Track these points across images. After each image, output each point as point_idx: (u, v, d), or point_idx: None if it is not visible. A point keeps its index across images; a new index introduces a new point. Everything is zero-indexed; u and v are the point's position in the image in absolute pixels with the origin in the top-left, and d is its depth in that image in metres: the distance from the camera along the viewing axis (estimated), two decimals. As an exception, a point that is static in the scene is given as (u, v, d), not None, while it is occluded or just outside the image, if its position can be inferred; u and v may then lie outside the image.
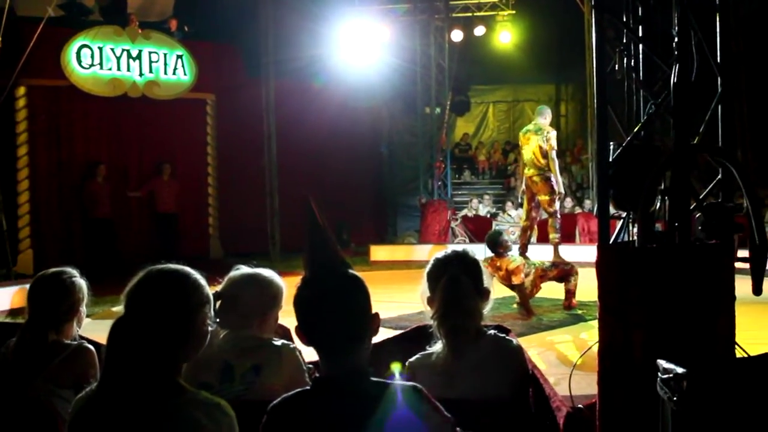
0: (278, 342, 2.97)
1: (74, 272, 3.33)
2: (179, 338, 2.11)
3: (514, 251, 9.74)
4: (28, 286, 3.33)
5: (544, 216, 10.56)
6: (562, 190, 10.26)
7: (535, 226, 10.63)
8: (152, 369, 2.04)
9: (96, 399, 2.06)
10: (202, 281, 2.22)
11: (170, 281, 2.16)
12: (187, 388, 2.10)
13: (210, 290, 2.26)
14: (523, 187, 10.34)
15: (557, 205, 10.18)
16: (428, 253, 14.07)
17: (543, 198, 9.98)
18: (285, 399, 2.03)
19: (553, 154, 9.85)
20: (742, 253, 3.56)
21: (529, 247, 10.33)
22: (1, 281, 11.23)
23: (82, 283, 3.33)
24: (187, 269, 2.22)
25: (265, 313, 3.05)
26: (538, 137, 9.86)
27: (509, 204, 17.98)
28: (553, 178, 9.89)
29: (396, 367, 2.16)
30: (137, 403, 2.01)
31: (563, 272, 9.51)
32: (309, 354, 2.59)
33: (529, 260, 9.56)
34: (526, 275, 9.19)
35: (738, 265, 3.51)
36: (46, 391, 3.02)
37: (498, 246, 9.27)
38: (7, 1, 11.43)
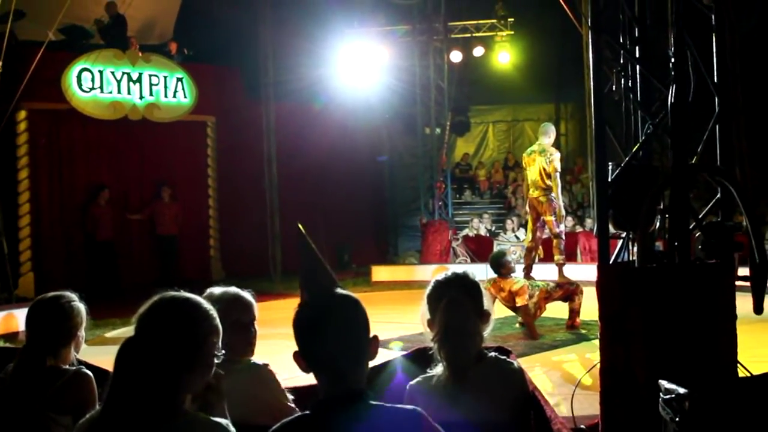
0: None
1: (73, 296, 3.32)
2: (185, 365, 2.13)
3: (518, 272, 9.73)
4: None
5: (546, 235, 10.50)
6: (563, 213, 10.22)
7: (540, 247, 10.56)
8: (156, 393, 2.06)
9: (100, 420, 2.08)
10: (213, 311, 2.26)
11: (181, 309, 2.19)
12: (187, 410, 2.12)
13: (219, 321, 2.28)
14: (527, 207, 10.31)
15: (563, 225, 10.16)
16: (430, 273, 14.04)
17: (549, 219, 9.96)
18: (284, 424, 2.03)
19: (557, 175, 9.85)
20: (743, 271, 3.56)
21: (533, 267, 10.30)
22: (3, 305, 11.22)
23: (80, 307, 3.31)
24: (198, 298, 2.26)
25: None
26: (543, 158, 9.85)
27: (509, 223, 17.97)
28: (555, 200, 9.90)
29: (396, 345, 2.13)
30: (139, 424, 2.03)
31: (568, 292, 9.49)
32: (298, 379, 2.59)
33: (534, 281, 9.54)
34: (530, 297, 9.15)
35: (738, 283, 3.51)
36: (44, 418, 3.00)
37: (501, 267, 9.25)
38: (8, 25, 11.49)
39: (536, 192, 9.95)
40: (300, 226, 2.21)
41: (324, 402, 2.03)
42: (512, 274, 9.33)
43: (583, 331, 9.35)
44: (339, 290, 2.12)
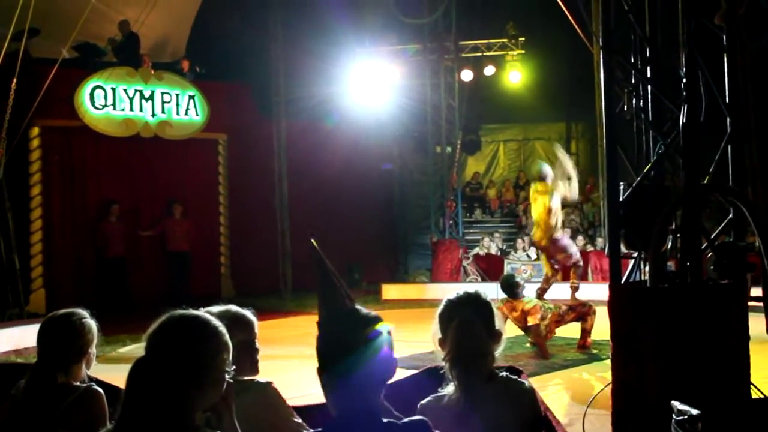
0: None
1: (84, 313, 3.32)
2: (196, 383, 2.15)
3: (530, 292, 9.69)
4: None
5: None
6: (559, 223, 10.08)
7: (560, 272, 10.54)
8: (168, 411, 2.07)
9: None
10: (222, 328, 2.27)
11: (190, 327, 2.21)
12: (198, 425, 2.14)
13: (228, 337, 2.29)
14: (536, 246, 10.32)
15: (576, 255, 10.14)
16: (440, 292, 14.00)
17: (559, 257, 10.04)
18: (297, 442, 2.04)
19: (553, 205, 9.76)
20: (756, 292, 3.55)
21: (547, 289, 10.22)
22: (14, 320, 11.24)
23: (92, 324, 3.32)
24: (207, 316, 2.28)
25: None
26: (545, 197, 9.79)
27: (520, 242, 17.94)
28: (559, 235, 9.91)
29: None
30: None
31: (580, 313, 9.48)
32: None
33: (546, 303, 9.49)
34: (543, 318, 9.13)
35: (751, 304, 3.50)
36: (55, 435, 3.01)
37: (513, 288, 9.24)
38: (22, 43, 11.58)
39: (538, 233, 9.93)
40: (313, 242, 2.22)
41: (337, 420, 2.03)
42: (524, 293, 9.32)
43: (595, 351, 9.31)
44: (360, 309, 2.13)
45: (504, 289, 9.36)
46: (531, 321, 9.06)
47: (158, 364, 2.11)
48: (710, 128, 3.78)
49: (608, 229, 3.86)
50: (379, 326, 2.07)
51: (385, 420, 2.02)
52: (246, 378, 2.99)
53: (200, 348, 2.18)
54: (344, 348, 2.07)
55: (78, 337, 3.25)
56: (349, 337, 2.08)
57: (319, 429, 2.07)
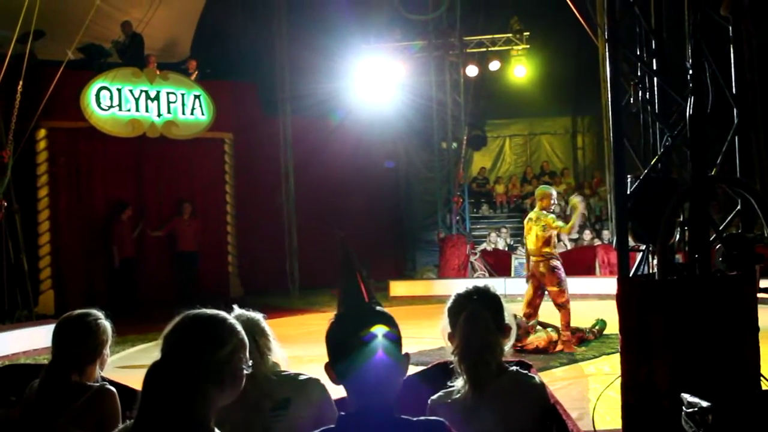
0: (304, 376, 2.97)
1: (99, 314, 3.34)
2: (214, 382, 2.15)
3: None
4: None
5: (547, 300, 9.73)
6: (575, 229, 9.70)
7: (538, 314, 9.60)
8: (186, 410, 2.07)
9: None
10: (238, 326, 2.28)
11: (206, 326, 2.21)
12: (214, 429, 2.12)
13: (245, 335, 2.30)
14: (530, 272, 9.70)
15: (567, 294, 9.32)
16: (448, 288, 13.96)
17: (552, 289, 9.32)
18: (311, 437, 2.04)
19: (555, 227, 9.33)
20: (765, 283, 3.54)
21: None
22: (23, 322, 11.28)
23: (106, 325, 3.34)
24: (223, 314, 2.28)
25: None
26: (537, 227, 9.38)
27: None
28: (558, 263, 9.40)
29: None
30: None
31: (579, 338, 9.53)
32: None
33: (548, 330, 9.34)
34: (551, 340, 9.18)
35: (760, 295, 3.49)
36: (68, 433, 3.02)
37: (519, 330, 8.97)
38: (28, 45, 11.61)
39: (534, 259, 9.45)
40: (341, 236, 2.23)
41: (351, 415, 2.03)
42: (534, 329, 9.28)
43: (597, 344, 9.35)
44: (375, 306, 2.13)
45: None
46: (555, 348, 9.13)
47: (175, 365, 2.11)
48: (717, 120, 3.78)
49: (616, 222, 3.85)
50: (375, 329, 2.04)
51: (401, 416, 2.02)
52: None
53: (217, 347, 2.18)
54: (347, 347, 2.07)
55: (93, 338, 3.26)
56: (353, 336, 2.08)
57: (332, 425, 2.07)
